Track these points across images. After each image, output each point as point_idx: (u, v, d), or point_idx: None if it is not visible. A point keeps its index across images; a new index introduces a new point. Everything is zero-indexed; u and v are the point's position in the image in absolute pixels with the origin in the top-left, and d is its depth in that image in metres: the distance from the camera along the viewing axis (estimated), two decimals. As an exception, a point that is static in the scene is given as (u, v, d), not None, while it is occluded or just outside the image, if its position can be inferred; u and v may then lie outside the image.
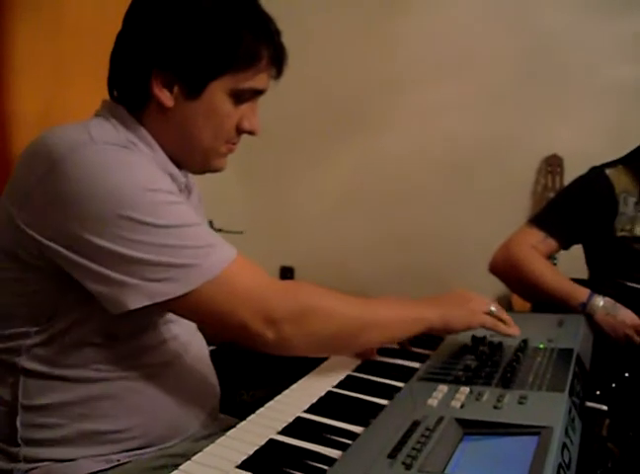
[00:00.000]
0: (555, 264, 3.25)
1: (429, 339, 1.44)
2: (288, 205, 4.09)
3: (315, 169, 4.01)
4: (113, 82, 1.28)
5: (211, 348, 1.47)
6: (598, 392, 1.92)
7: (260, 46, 1.22)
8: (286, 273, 4.14)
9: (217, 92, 1.22)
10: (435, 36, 3.71)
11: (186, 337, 1.35)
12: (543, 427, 0.97)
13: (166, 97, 1.21)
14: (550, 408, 1.06)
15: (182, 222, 1.13)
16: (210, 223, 3.55)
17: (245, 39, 1.20)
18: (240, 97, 1.25)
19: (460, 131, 3.70)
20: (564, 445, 0.95)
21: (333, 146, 3.96)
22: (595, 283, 2.16)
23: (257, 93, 1.27)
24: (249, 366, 1.95)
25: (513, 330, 1.41)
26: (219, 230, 3.47)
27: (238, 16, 1.21)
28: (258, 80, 1.25)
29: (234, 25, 1.20)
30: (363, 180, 3.94)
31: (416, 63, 3.75)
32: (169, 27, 1.19)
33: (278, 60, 1.26)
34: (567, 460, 0.94)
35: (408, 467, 0.88)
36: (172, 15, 1.19)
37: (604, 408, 1.38)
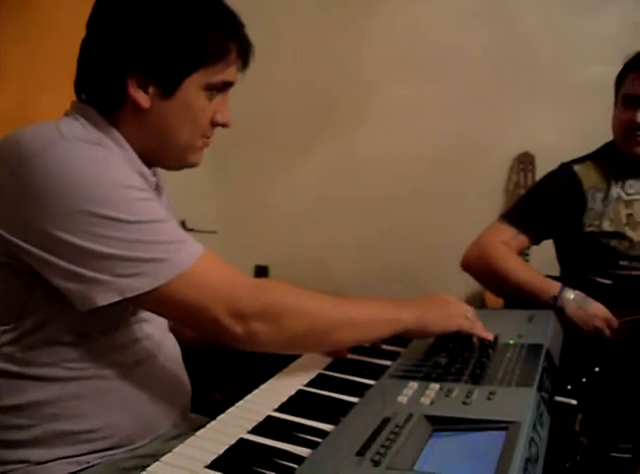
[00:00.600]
0: (528, 260, 3.28)
1: (400, 336, 1.45)
2: (262, 204, 4.08)
3: (289, 168, 4.00)
4: (81, 85, 1.28)
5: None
6: (569, 387, 1.94)
7: (227, 41, 1.24)
8: (261, 272, 4.13)
9: (191, 88, 1.24)
10: (407, 34, 3.71)
11: (158, 336, 1.36)
12: (511, 422, 0.98)
13: (142, 98, 1.22)
14: (518, 403, 1.06)
15: (153, 218, 1.14)
16: (183, 223, 3.54)
17: (212, 35, 1.22)
18: (212, 91, 1.27)
19: (433, 130, 3.70)
20: (532, 440, 0.96)
21: (307, 145, 3.95)
22: (566, 280, 2.19)
23: (228, 85, 1.30)
24: (223, 366, 1.95)
25: (488, 334, 1.41)
26: (191, 230, 3.46)
27: (204, 13, 1.22)
28: (228, 73, 1.27)
29: (201, 22, 1.22)
30: (338, 179, 3.94)
31: (389, 62, 3.75)
32: (139, 29, 1.20)
33: (244, 53, 1.29)
34: (534, 454, 0.95)
35: (376, 464, 0.88)
36: (140, 17, 1.20)
37: (574, 402, 1.39)
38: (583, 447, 1.56)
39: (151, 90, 1.22)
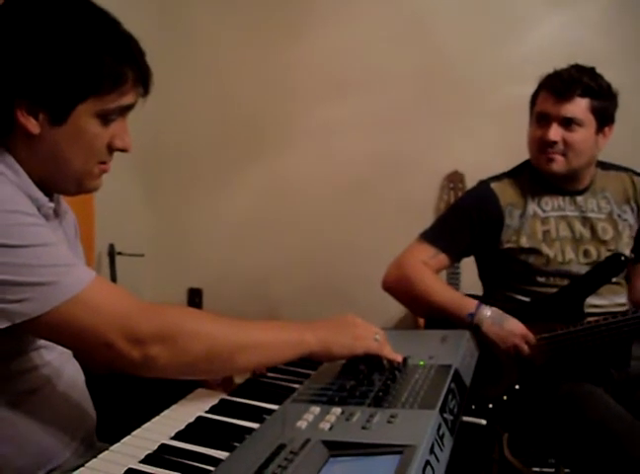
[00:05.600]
0: (458, 278, 3.30)
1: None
2: (193, 226, 4.03)
3: (220, 189, 3.97)
4: None
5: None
6: (490, 405, 1.95)
7: (123, 68, 1.20)
8: (194, 295, 4.07)
9: (83, 115, 1.20)
10: (334, 56, 3.73)
11: (59, 363, 1.32)
12: (407, 445, 0.96)
13: (32, 124, 1.18)
14: (417, 426, 1.04)
15: (39, 242, 1.10)
16: (111, 247, 3.47)
17: (107, 62, 1.18)
18: (108, 117, 1.23)
19: (363, 150, 3.73)
20: (427, 463, 0.94)
21: (237, 166, 3.93)
22: (488, 298, 2.20)
23: (125, 109, 1.26)
24: (141, 392, 1.91)
25: (396, 356, 1.38)
26: (119, 253, 3.39)
27: (97, 40, 1.18)
28: (124, 99, 1.23)
29: (94, 49, 1.17)
30: (269, 199, 3.93)
31: (316, 83, 3.77)
32: (28, 56, 1.16)
33: (143, 80, 1.25)
34: (430, 478, 0.93)
35: (265, 493, 0.86)
36: (30, 44, 1.16)
37: (483, 422, 1.38)
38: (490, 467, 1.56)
39: (41, 116, 1.18)
